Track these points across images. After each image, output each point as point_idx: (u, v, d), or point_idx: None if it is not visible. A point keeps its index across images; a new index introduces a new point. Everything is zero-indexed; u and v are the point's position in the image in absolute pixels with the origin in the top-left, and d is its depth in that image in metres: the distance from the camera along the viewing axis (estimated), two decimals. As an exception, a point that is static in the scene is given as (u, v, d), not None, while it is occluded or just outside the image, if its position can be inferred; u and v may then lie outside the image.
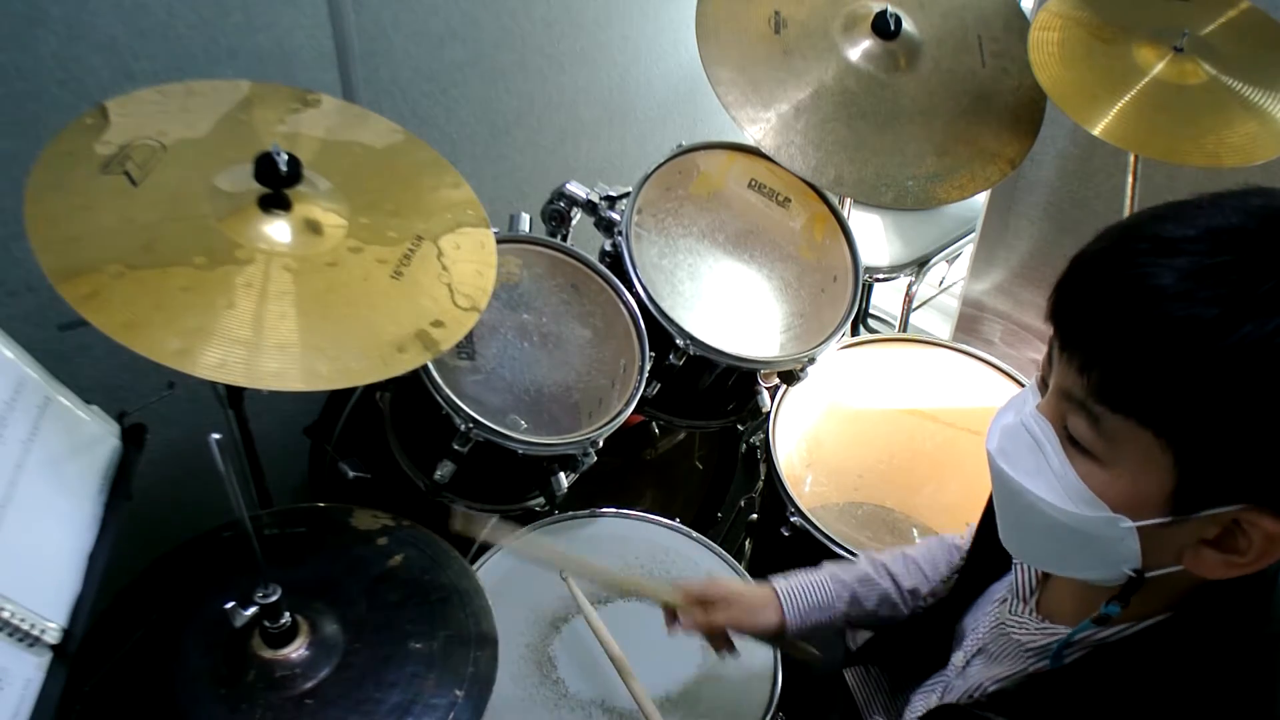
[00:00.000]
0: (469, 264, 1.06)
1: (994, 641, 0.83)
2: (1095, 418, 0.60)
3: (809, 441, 1.56)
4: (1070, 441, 0.63)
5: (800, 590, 1.05)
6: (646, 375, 1.29)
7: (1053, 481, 0.63)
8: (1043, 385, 0.67)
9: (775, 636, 1.05)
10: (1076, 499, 0.62)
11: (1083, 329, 0.60)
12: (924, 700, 0.93)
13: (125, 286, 0.86)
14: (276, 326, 0.89)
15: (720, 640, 1.08)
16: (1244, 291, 0.53)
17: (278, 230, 0.96)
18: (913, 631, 1.03)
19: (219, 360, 0.85)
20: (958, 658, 0.89)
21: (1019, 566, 0.82)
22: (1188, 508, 0.59)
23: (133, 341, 0.83)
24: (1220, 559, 0.60)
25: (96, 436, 0.92)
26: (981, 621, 0.88)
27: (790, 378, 1.46)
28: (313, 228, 0.98)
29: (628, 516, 1.39)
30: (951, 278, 2.48)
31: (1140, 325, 0.55)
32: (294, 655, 0.92)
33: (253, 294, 0.90)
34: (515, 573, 1.28)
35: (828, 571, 1.08)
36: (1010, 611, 0.81)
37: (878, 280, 2.24)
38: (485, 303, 1.04)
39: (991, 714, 0.73)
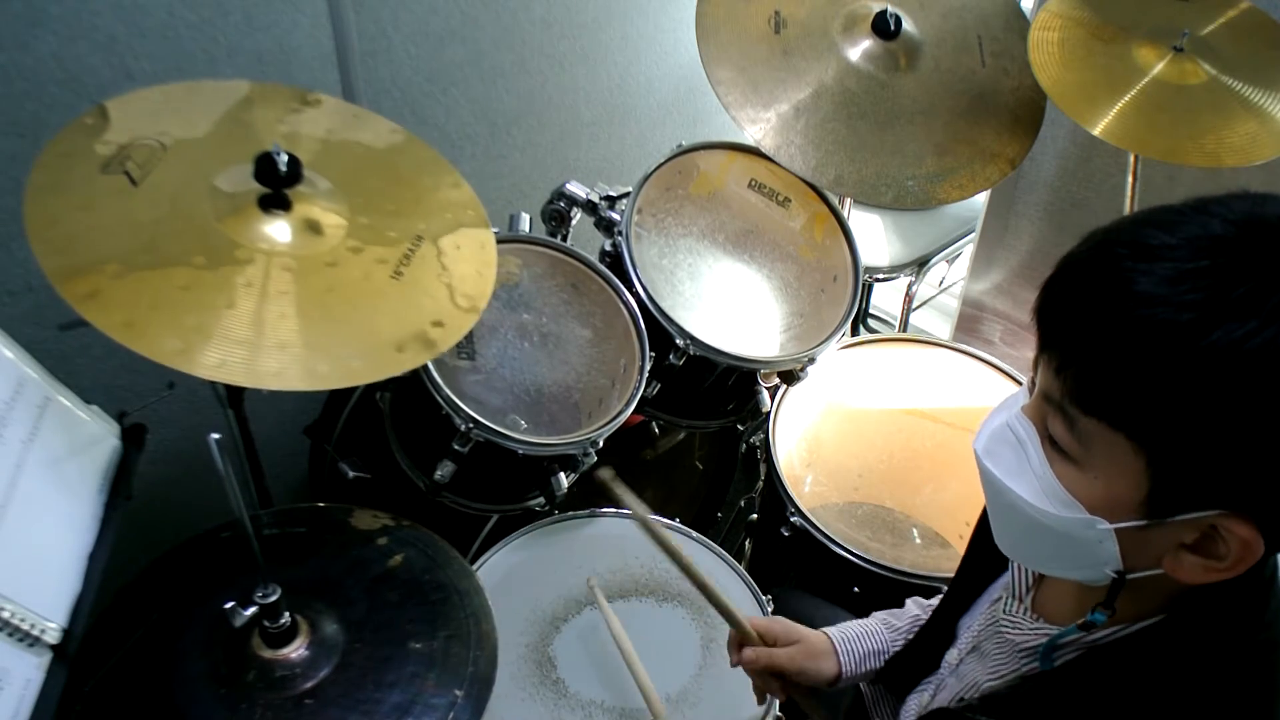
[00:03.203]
0: (469, 264, 1.06)
1: (988, 640, 0.83)
2: (1071, 420, 0.60)
3: (809, 441, 1.56)
4: (1051, 443, 0.63)
5: (855, 638, 1.04)
6: (646, 375, 1.29)
7: (1033, 482, 0.64)
8: (1032, 387, 0.67)
9: (829, 685, 1.03)
10: (1055, 500, 0.63)
11: (1060, 331, 0.60)
12: (917, 700, 0.93)
13: (125, 286, 0.86)
14: (276, 326, 0.89)
15: (773, 684, 1.04)
16: (1219, 296, 0.52)
17: (278, 230, 0.96)
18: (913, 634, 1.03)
19: (219, 360, 0.85)
20: (952, 655, 0.89)
21: (1015, 565, 0.82)
22: (1162, 512, 0.59)
23: (132, 341, 0.83)
24: (1200, 563, 0.60)
25: (96, 436, 0.92)
26: (977, 620, 0.88)
27: (790, 378, 1.46)
28: (313, 227, 0.98)
29: (628, 516, 1.38)
30: (951, 278, 2.48)
31: (1114, 328, 0.56)
32: (294, 655, 0.92)
33: (253, 294, 0.90)
34: (515, 573, 1.28)
35: (878, 619, 1.07)
36: (1005, 610, 0.81)
37: (878, 280, 2.24)
38: (485, 303, 1.03)
39: (982, 716, 0.73)
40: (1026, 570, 0.81)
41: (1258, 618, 0.65)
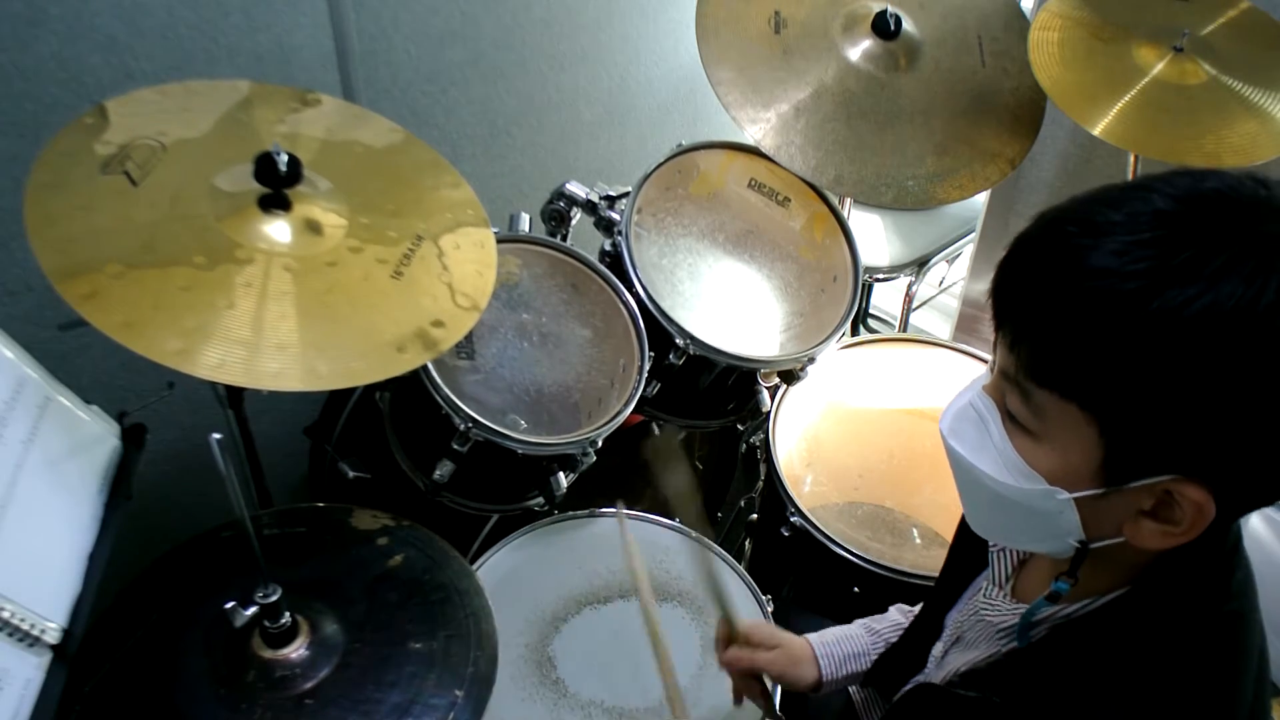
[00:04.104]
0: (469, 264, 1.06)
1: (971, 628, 0.84)
2: (1026, 393, 0.62)
3: (809, 441, 1.56)
4: (1010, 418, 0.65)
5: (835, 643, 1.05)
6: (646, 375, 1.29)
7: (995, 457, 0.66)
8: (995, 367, 0.69)
9: (812, 690, 1.04)
10: (1015, 473, 0.65)
11: (1013, 307, 0.62)
12: None
13: (125, 286, 0.86)
14: (276, 326, 0.89)
15: (753, 686, 1.06)
16: (1161, 264, 0.54)
17: (278, 230, 0.96)
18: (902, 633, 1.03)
19: (218, 360, 0.85)
20: (937, 648, 0.90)
21: (995, 554, 0.83)
22: (1117, 479, 0.60)
23: (132, 341, 0.83)
24: (1157, 529, 0.61)
25: (96, 436, 0.92)
26: (961, 612, 0.88)
27: (790, 377, 1.46)
28: (313, 227, 0.98)
29: (627, 516, 1.39)
30: (951, 278, 2.48)
31: (1061, 300, 0.57)
32: (294, 655, 0.92)
33: (252, 294, 0.90)
34: (515, 573, 1.28)
35: (860, 624, 1.08)
36: (985, 596, 0.82)
37: (878, 280, 2.24)
38: (485, 302, 1.04)
39: (963, 690, 0.74)
40: (1006, 559, 0.82)
41: (1223, 588, 0.67)
